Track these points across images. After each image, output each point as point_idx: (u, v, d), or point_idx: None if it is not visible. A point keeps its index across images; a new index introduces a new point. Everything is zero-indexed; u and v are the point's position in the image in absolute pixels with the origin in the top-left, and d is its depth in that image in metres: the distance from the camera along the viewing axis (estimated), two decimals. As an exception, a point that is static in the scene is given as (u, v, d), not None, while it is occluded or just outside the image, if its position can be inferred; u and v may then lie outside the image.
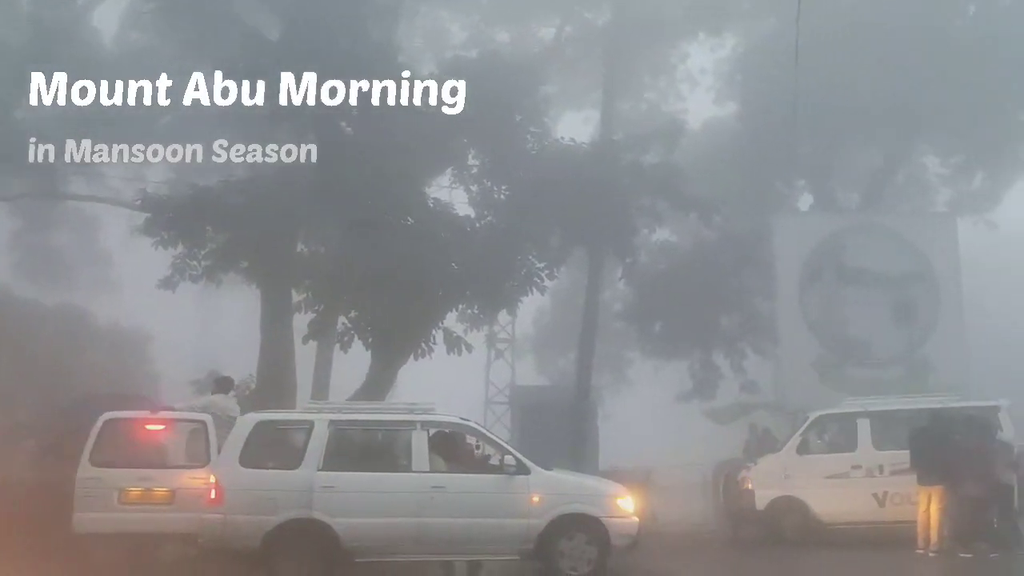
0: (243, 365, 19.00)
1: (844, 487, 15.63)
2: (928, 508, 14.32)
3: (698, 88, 28.86)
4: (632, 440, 24.68)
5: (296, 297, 19.18)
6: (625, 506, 12.44)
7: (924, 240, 24.85)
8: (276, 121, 16.96)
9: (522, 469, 12.08)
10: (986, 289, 26.48)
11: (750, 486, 16.10)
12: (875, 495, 15.53)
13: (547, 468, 12.42)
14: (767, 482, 15.99)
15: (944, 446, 14.44)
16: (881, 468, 15.57)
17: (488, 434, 13.32)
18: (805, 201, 27.91)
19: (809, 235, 24.73)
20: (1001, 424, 15.22)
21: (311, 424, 11.98)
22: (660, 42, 27.14)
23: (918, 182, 29.00)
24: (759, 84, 25.32)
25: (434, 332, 18.54)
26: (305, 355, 20.42)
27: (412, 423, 12.12)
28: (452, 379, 23.21)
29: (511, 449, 12.53)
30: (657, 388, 27.33)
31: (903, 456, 14.86)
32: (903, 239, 24.79)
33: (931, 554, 14.08)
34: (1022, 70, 23.56)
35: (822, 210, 26.60)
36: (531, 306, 24.50)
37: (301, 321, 19.13)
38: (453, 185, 20.12)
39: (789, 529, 15.58)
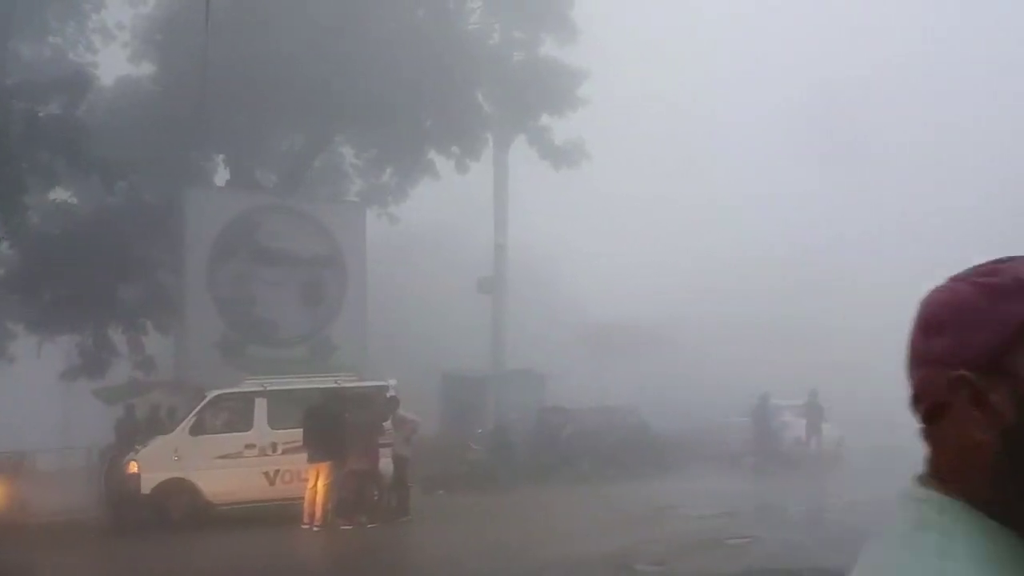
0: None
1: (237, 467, 15.49)
2: (316, 484, 14.66)
3: (114, 43, 26.50)
4: (8, 423, 21.76)
5: None
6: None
7: (335, 226, 25.46)
8: None
9: None
10: (388, 277, 28.16)
11: (136, 469, 15.18)
12: (267, 473, 15.62)
13: None
14: (155, 464, 15.25)
15: (334, 423, 14.89)
16: (275, 447, 15.72)
17: None
18: (222, 176, 27.17)
19: (223, 211, 23.92)
20: (399, 401, 15.97)
21: None
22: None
23: (335, 170, 29.93)
24: (178, 48, 23.92)
25: None
26: None
27: None
28: None
29: None
30: (41, 364, 24.49)
31: (297, 434, 15.06)
32: (316, 224, 25.18)
33: (315, 528, 14.44)
34: (434, 79, 25.14)
35: (239, 187, 26.03)
36: None
37: None
38: None
39: (177, 511, 15.05)
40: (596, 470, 21.27)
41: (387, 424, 15.42)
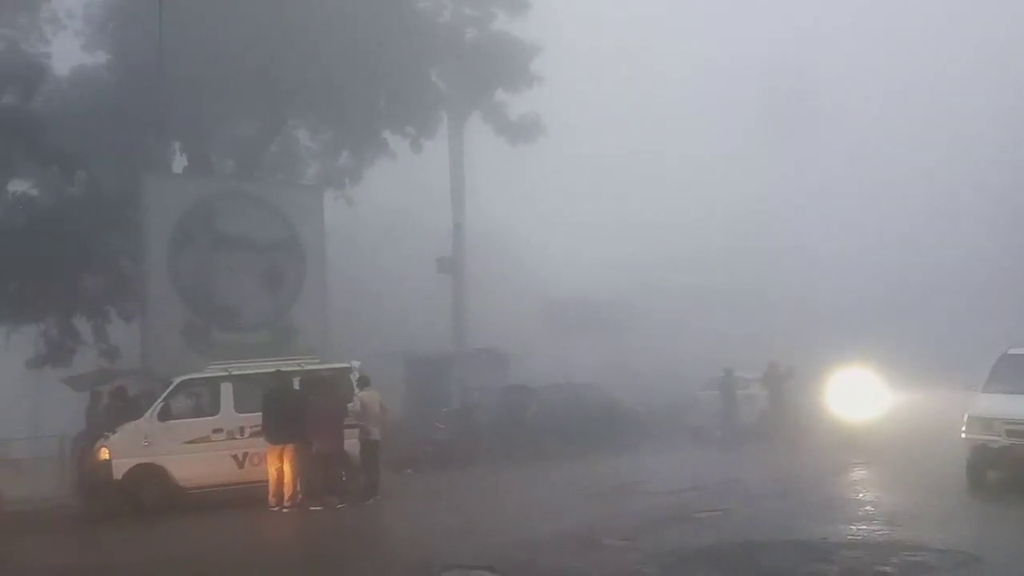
0: None
1: (205, 451, 15.63)
2: (281, 466, 14.85)
3: (65, 32, 26.12)
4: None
5: None
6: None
7: (293, 210, 25.36)
8: None
9: None
10: (347, 259, 28.21)
11: (107, 455, 15.32)
12: (235, 457, 15.74)
13: None
14: (126, 450, 15.38)
15: (296, 406, 15.03)
16: (242, 430, 15.82)
17: None
18: (179, 163, 26.98)
19: (182, 198, 23.78)
20: (369, 380, 15.89)
21: None
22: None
23: (290, 154, 29.80)
24: (132, 35, 23.77)
25: None
26: None
27: None
28: None
29: None
30: (8, 354, 24.42)
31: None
32: (274, 208, 25.06)
33: (284, 509, 14.66)
34: (386, 58, 24.99)
35: (196, 173, 25.92)
36: None
37: None
38: None
39: (148, 497, 15.17)
40: (561, 448, 21.23)
41: (354, 406, 15.41)
